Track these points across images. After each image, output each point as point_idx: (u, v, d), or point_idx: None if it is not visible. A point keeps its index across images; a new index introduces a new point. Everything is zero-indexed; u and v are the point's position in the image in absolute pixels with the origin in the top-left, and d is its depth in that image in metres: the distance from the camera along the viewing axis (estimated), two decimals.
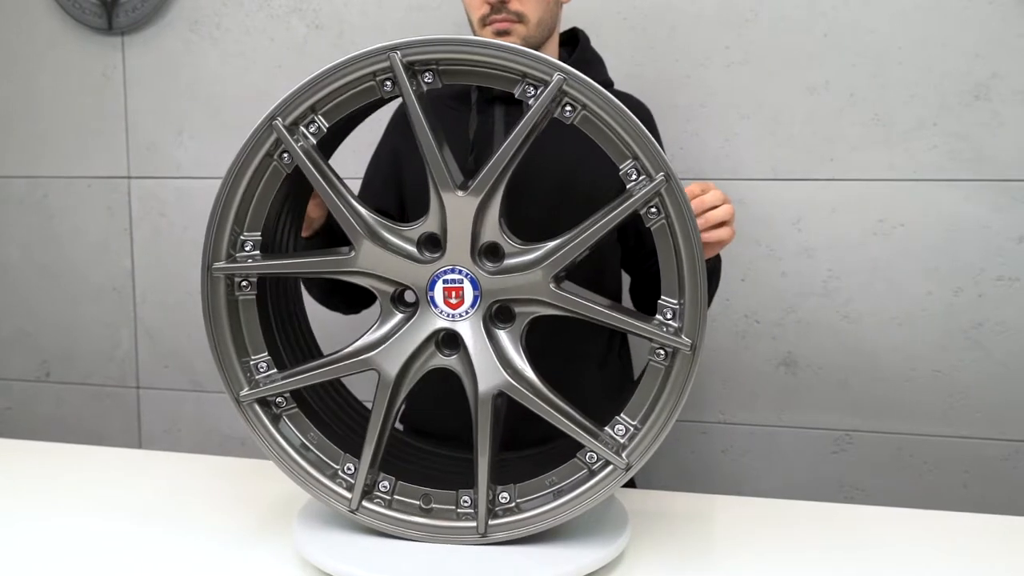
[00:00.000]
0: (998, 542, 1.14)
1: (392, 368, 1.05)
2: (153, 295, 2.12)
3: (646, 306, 1.44)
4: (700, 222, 1.09)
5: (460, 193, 1.00)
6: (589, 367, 1.42)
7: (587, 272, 1.15)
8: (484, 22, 1.30)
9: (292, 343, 1.17)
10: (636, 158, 0.97)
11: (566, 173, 1.35)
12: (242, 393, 1.08)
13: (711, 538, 1.15)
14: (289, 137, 1.02)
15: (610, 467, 1.02)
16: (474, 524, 1.04)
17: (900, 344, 1.75)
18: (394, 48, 0.98)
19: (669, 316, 1.00)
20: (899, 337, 1.75)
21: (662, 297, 1.00)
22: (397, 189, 1.44)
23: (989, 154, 1.68)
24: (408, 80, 1.00)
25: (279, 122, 1.02)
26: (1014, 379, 1.72)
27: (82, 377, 2.20)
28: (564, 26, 1.46)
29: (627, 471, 1.01)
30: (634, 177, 0.98)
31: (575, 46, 1.44)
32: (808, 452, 1.83)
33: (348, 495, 1.07)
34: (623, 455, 1.01)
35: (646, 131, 0.96)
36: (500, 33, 1.30)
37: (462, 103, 1.39)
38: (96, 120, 2.09)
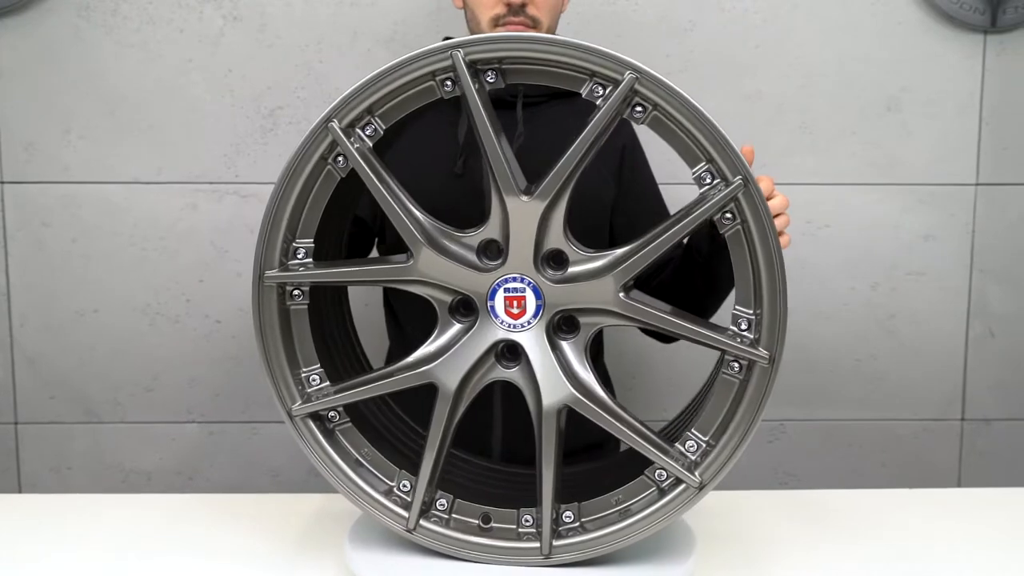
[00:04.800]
0: (917, 515, 1.25)
1: (452, 381, 1.00)
2: (35, 317, 1.86)
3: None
4: None
5: (525, 198, 0.96)
6: None
7: None
8: (497, 22, 1.26)
9: (343, 354, 1.10)
10: (711, 161, 0.95)
11: None
12: (294, 407, 1.02)
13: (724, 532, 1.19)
14: (346, 139, 0.96)
15: (682, 486, 0.99)
16: (536, 544, 1.00)
17: (826, 336, 1.88)
18: (457, 46, 0.94)
19: (744, 327, 0.97)
20: (825, 330, 1.88)
21: (736, 307, 0.98)
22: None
23: (899, 160, 1.84)
24: (471, 79, 0.95)
25: (335, 124, 0.96)
26: (922, 364, 1.90)
27: None
28: None
29: (700, 490, 0.98)
30: (708, 181, 0.95)
31: None
32: None
33: (404, 513, 1.01)
34: (696, 473, 0.98)
35: (723, 132, 0.93)
36: None
37: (450, 105, 1.34)
38: None
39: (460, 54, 0.93)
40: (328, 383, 1.03)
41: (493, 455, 1.31)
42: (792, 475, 1.93)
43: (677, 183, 1.74)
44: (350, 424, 1.04)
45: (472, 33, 1.34)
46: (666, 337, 1.46)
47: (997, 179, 1.85)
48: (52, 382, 1.88)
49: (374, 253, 1.47)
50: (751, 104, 1.82)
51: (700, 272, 1.25)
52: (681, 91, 0.93)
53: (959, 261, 1.87)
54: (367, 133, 0.98)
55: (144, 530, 1.20)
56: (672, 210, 1.50)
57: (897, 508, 1.28)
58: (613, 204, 1.40)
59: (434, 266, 0.99)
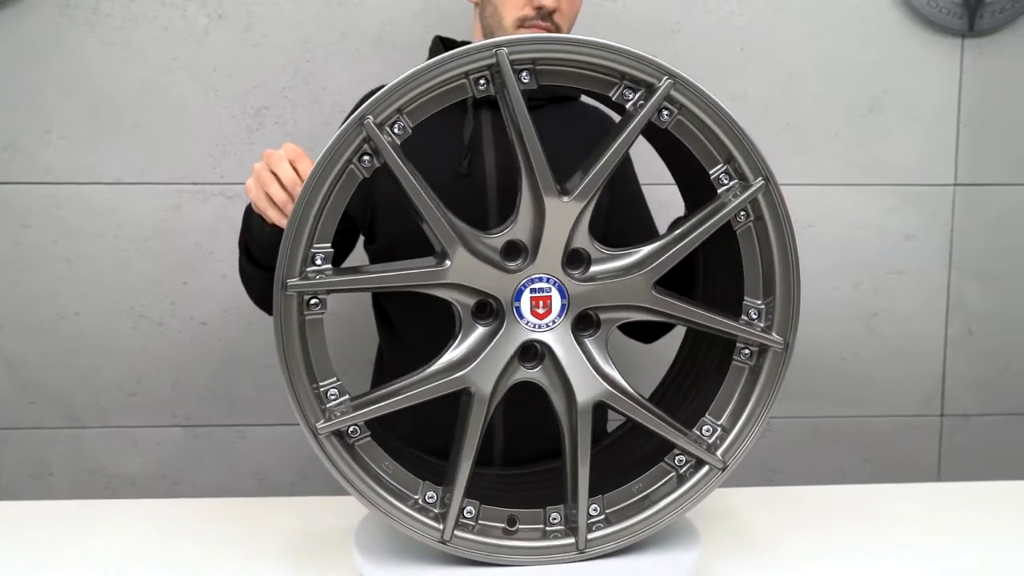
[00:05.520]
0: (901, 509, 1.29)
1: (487, 385, 0.99)
2: (14, 320, 1.82)
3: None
4: None
5: (565, 199, 0.97)
6: None
7: None
8: (522, 23, 1.27)
9: None
10: (729, 162, 0.99)
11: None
12: (319, 425, 0.97)
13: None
14: (382, 137, 0.94)
15: (702, 470, 1.03)
16: (568, 541, 1.02)
17: (812, 335, 1.91)
18: (499, 45, 0.93)
19: (754, 316, 1.03)
20: (811, 329, 1.90)
21: (746, 298, 1.03)
22: (365, 196, 1.35)
23: (881, 161, 1.88)
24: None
25: (371, 120, 0.93)
26: (904, 362, 1.94)
27: None
28: None
29: (723, 471, 1.03)
30: (725, 182, 1.00)
31: None
32: None
33: (436, 525, 1.00)
34: (716, 454, 1.03)
35: (747, 135, 0.98)
36: None
37: (455, 105, 1.34)
38: None
39: (505, 52, 0.93)
40: (347, 397, 0.99)
41: (495, 458, 1.31)
42: (778, 472, 1.95)
43: (664, 184, 1.76)
44: (370, 439, 1.01)
45: (486, 31, 1.33)
46: (649, 336, 1.48)
47: (975, 180, 1.89)
48: (32, 386, 1.84)
49: (360, 255, 1.46)
50: (737, 105, 1.82)
51: (682, 268, 1.28)
52: (714, 97, 0.98)
53: (939, 260, 1.91)
54: (395, 131, 0.96)
55: (130, 537, 1.18)
56: (654, 211, 1.52)
57: (882, 503, 1.31)
58: (608, 209, 1.41)
59: (469, 269, 0.97)
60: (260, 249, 1.22)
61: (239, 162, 1.79)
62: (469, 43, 1.46)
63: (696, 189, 1.12)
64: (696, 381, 1.15)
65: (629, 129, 0.97)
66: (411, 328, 1.38)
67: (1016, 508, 1.28)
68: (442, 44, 1.43)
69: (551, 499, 1.04)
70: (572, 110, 1.41)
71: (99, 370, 1.84)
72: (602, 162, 0.97)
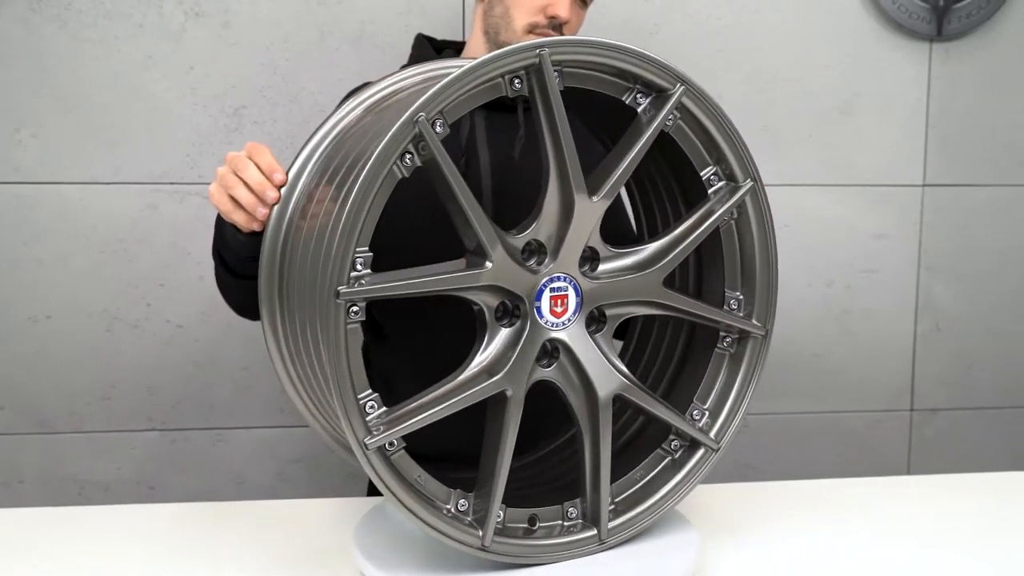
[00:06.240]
0: (874, 502, 1.31)
1: (520, 388, 0.98)
2: None
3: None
4: None
5: (594, 198, 0.98)
6: None
7: None
8: (531, 29, 1.27)
9: None
10: (719, 163, 1.02)
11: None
12: (368, 440, 0.92)
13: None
14: (434, 134, 0.91)
15: (697, 454, 1.06)
16: (588, 534, 1.03)
17: (785, 333, 1.94)
18: (541, 46, 0.93)
19: (734, 306, 1.08)
20: (784, 327, 1.93)
21: (726, 290, 1.08)
22: None
23: (853, 163, 1.92)
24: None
25: (423, 117, 0.90)
26: (874, 358, 1.99)
27: None
28: None
29: (717, 452, 1.07)
30: (715, 183, 1.04)
31: None
32: None
33: (474, 531, 0.98)
34: (711, 435, 1.07)
35: (743, 140, 1.01)
36: None
37: None
38: None
39: (547, 52, 0.93)
40: (384, 410, 0.94)
41: None
42: (753, 468, 1.98)
43: None
44: (403, 450, 0.98)
45: (490, 31, 1.33)
46: (628, 334, 1.51)
47: (943, 180, 1.95)
48: (2, 391, 1.80)
49: None
50: None
51: None
52: (711, 98, 1.00)
53: (909, 259, 1.96)
54: (437, 130, 0.93)
55: (105, 544, 1.14)
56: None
57: (856, 496, 1.33)
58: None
59: (505, 270, 0.96)
60: (235, 258, 1.19)
61: (217, 162, 1.76)
62: (453, 42, 1.47)
63: (667, 193, 1.15)
64: (655, 372, 1.19)
65: (650, 132, 0.98)
66: (400, 329, 1.38)
67: (982, 499, 1.32)
68: (428, 43, 1.43)
69: (551, 490, 1.06)
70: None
71: (72, 374, 1.80)
72: (626, 163, 0.98)
